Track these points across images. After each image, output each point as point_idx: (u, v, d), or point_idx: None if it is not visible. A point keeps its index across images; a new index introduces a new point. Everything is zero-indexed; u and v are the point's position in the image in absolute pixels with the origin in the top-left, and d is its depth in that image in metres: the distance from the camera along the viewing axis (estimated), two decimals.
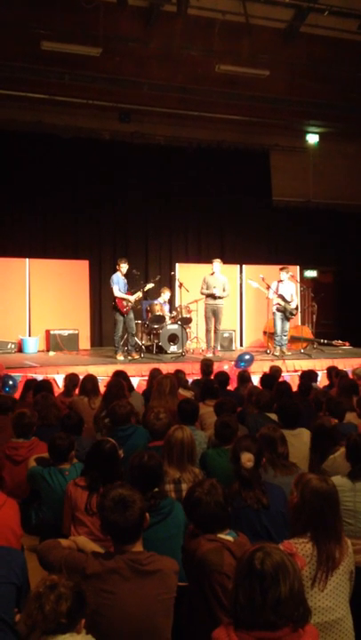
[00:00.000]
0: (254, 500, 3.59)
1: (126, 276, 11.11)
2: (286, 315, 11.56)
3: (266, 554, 2.14)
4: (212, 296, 11.54)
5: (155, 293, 12.69)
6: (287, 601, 2.09)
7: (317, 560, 2.78)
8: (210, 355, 11.27)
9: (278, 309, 11.55)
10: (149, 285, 11.65)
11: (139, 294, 11.11)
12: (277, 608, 2.07)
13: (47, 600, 2.06)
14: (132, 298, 10.91)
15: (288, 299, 11.56)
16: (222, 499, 3.02)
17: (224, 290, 11.63)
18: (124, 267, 10.98)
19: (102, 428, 5.71)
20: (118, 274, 10.99)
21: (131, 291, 11.05)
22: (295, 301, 11.81)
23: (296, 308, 11.93)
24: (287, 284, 11.70)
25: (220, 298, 11.58)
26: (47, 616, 2.04)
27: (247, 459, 3.72)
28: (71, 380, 7.78)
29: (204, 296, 11.71)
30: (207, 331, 11.88)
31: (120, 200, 14.31)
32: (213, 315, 11.67)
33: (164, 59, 11.79)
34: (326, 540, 2.82)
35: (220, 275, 11.73)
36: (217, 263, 11.71)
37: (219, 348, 12.06)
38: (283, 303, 11.51)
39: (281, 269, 11.80)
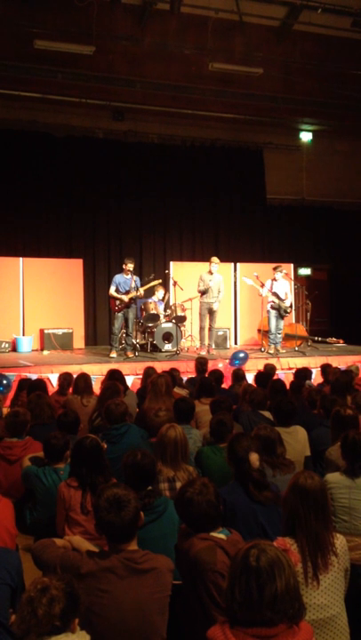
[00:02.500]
0: (268, 499, 3.61)
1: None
2: (281, 313, 11.59)
3: (261, 550, 2.14)
4: (208, 293, 11.56)
5: (148, 292, 12.67)
6: (283, 597, 2.09)
7: (302, 559, 2.79)
8: (204, 353, 11.28)
9: (273, 307, 11.57)
10: (153, 283, 11.65)
11: (134, 293, 11.09)
12: (274, 604, 2.07)
13: (40, 604, 2.03)
14: (125, 298, 10.88)
15: (282, 297, 11.57)
16: (214, 498, 3.02)
17: (219, 292, 11.66)
18: (129, 266, 10.97)
19: (94, 430, 5.73)
20: (122, 273, 10.99)
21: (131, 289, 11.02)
22: (289, 299, 11.83)
23: (290, 306, 11.94)
24: (281, 282, 11.72)
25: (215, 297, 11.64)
26: (41, 620, 2.02)
27: (256, 458, 3.74)
28: (65, 378, 7.78)
29: (199, 294, 11.72)
30: (201, 328, 11.90)
31: (114, 198, 14.28)
32: (209, 313, 11.70)
33: (158, 57, 11.77)
34: (303, 539, 2.83)
35: (217, 274, 11.74)
36: (215, 264, 11.72)
37: (213, 346, 12.07)
38: (277, 301, 11.53)
39: (274, 269, 11.83)
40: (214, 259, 11.83)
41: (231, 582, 2.14)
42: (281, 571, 2.11)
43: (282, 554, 2.18)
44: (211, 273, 11.67)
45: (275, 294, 11.54)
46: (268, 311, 11.68)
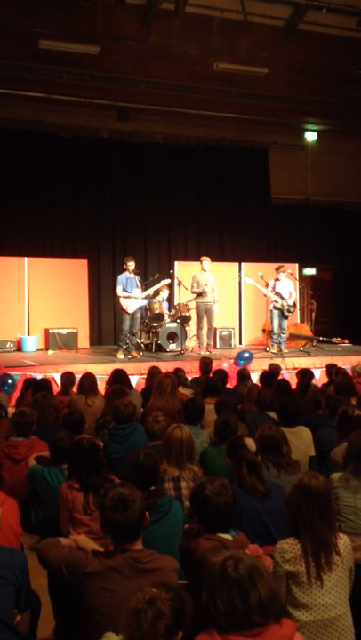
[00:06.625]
0: (257, 489, 3.62)
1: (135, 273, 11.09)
2: (284, 312, 11.57)
3: (237, 560, 2.15)
4: (203, 294, 11.58)
5: (154, 292, 12.68)
6: (268, 600, 2.10)
7: (305, 559, 2.79)
8: (203, 353, 11.25)
9: (275, 307, 11.55)
10: (163, 282, 11.65)
11: (148, 292, 11.11)
12: (262, 609, 2.09)
13: (145, 618, 1.98)
14: (140, 296, 10.85)
15: (285, 296, 11.56)
16: (232, 500, 3.01)
17: (213, 290, 11.67)
18: (131, 264, 10.95)
19: (99, 427, 5.75)
20: (125, 273, 10.96)
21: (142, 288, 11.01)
22: (293, 298, 11.79)
23: (294, 305, 11.92)
24: (285, 281, 11.70)
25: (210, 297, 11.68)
26: (145, 634, 1.97)
27: (252, 442, 3.77)
28: (68, 378, 7.80)
29: (194, 295, 11.72)
30: (199, 328, 11.90)
31: (119, 198, 14.30)
32: (206, 313, 11.71)
33: (163, 57, 11.78)
34: (306, 538, 2.83)
35: (210, 273, 11.77)
36: (206, 262, 11.77)
37: (217, 345, 12.05)
38: (280, 300, 11.51)
39: (277, 269, 11.81)
40: (205, 257, 11.90)
41: (211, 595, 2.13)
42: (260, 577, 2.12)
43: (257, 560, 2.20)
44: (204, 270, 11.69)
45: (277, 294, 11.53)
46: (270, 311, 11.67)
